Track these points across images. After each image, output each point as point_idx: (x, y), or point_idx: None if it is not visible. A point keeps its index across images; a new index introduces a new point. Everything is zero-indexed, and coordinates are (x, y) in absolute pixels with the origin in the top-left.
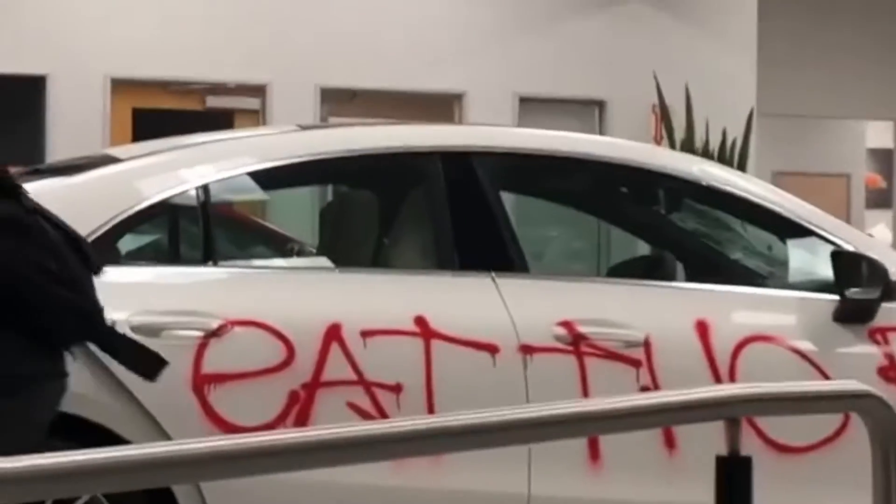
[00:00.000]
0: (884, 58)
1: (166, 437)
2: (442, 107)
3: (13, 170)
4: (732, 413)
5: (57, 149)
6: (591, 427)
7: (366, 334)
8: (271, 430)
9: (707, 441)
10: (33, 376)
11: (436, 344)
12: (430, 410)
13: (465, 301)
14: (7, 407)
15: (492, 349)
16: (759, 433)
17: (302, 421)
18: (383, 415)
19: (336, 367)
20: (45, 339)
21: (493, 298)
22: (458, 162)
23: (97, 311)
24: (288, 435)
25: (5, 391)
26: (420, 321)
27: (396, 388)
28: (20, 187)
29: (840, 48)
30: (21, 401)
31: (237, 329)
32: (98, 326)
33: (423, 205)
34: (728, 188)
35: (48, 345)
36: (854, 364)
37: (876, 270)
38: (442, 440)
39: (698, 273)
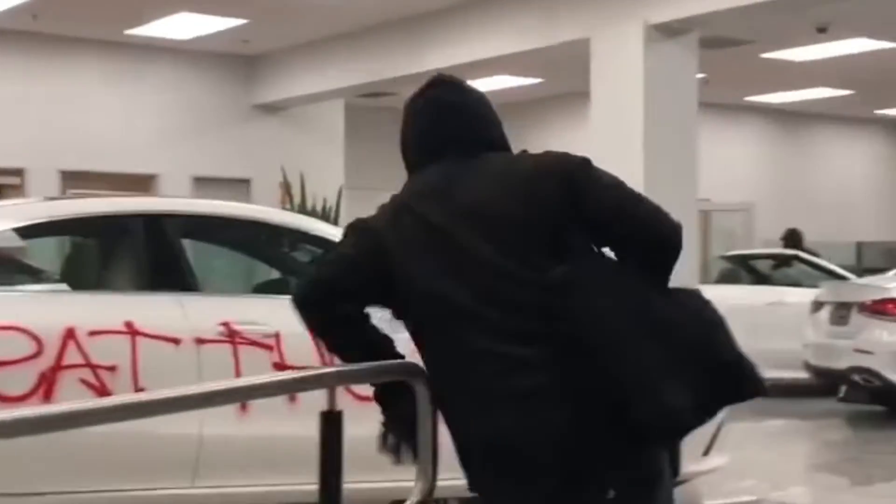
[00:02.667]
0: None
1: None
2: (144, 184)
3: None
4: (330, 383)
5: None
6: (245, 394)
7: (92, 333)
8: (27, 400)
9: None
10: None
11: (139, 339)
12: (136, 383)
13: (159, 310)
14: None
15: (176, 341)
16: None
17: (49, 393)
18: (104, 387)
19: (72, 356)
20: None
21: (177, 308)
22: (153, 220)
23: None
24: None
25: None
26: (129, 324)
27: (112, 369)
28: None
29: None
30: None
31: (1, 333)
32: None
33: (130, 248)
34: (322, 234)
35: None
36: None
37: None
38: (139, 409)
39: None
